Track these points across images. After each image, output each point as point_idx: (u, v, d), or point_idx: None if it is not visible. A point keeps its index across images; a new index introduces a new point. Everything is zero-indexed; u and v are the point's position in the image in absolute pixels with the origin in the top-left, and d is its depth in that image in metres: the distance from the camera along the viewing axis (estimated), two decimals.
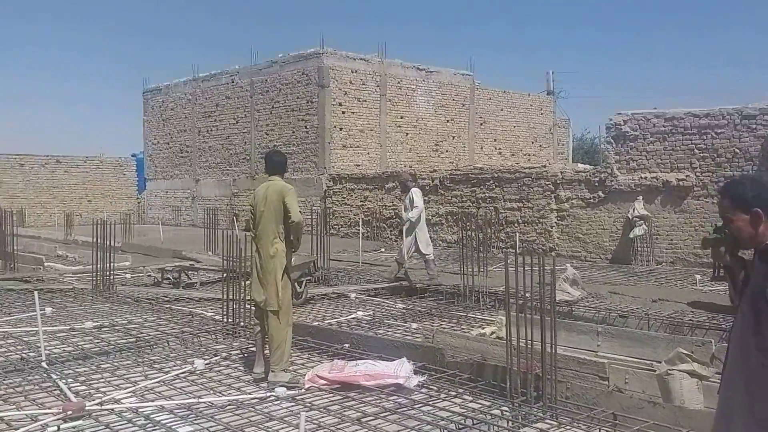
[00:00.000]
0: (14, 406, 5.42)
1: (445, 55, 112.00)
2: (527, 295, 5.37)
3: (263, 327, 6.11)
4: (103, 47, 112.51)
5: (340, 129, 24.94)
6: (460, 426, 4.83)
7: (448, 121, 28.45)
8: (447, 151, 28.29)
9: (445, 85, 28.36)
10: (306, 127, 25.07)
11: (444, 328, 8.03)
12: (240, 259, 8.33)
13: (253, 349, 6.83)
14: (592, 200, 16.11)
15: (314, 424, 4.87)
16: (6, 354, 7.08)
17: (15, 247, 14.20)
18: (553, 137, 33.41)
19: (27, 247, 17.90)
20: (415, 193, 11.68)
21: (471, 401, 5.47)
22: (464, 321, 8.86)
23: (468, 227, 11.73)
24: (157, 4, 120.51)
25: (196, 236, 21.03)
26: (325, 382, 5.76)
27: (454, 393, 5.65)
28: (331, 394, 5.65)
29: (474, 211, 17.99)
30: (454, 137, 28.72)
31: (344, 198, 22.87)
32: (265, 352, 6.14)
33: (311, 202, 23.28)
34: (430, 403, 5.42)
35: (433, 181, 19.72)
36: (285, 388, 5.68)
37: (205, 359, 6.75)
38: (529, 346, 5.27)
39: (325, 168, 24.29)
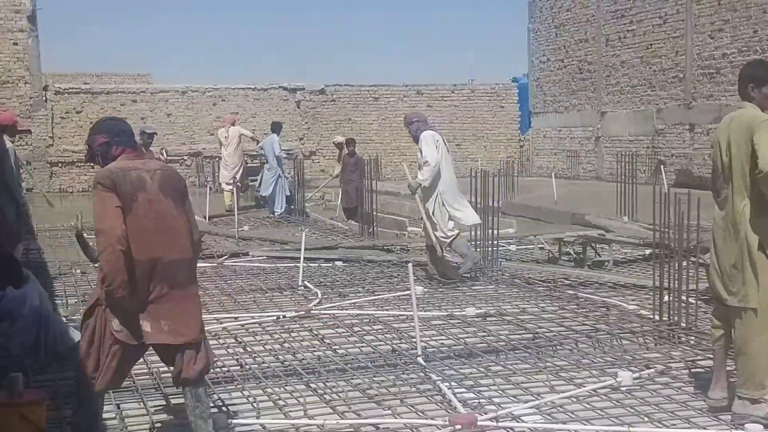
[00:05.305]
0: (390, 412, 6.15)
1: None
2: None
3: (728, 332, 5.93)
4: None
5: None
6: None
7: None
8: None
9: None
10: None
11: None
12: (677, 227, 8.23)
13: (707, 363, 6.75)
14: None
15: None
16: (374, 344, 8.05)
17: (374, 207, 15.98)
18: None
19: (385, 206, 20.01)
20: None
21: None
22: None
23: None
24: None
25: (603, 194, 21.29)
26: None
27: None
28: None
29: None
30: None
31: None
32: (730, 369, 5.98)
33: None
34: None
35: None
36: (761, 426, 5.48)
37: (633, 371, 6.87)
38: None
39: None
